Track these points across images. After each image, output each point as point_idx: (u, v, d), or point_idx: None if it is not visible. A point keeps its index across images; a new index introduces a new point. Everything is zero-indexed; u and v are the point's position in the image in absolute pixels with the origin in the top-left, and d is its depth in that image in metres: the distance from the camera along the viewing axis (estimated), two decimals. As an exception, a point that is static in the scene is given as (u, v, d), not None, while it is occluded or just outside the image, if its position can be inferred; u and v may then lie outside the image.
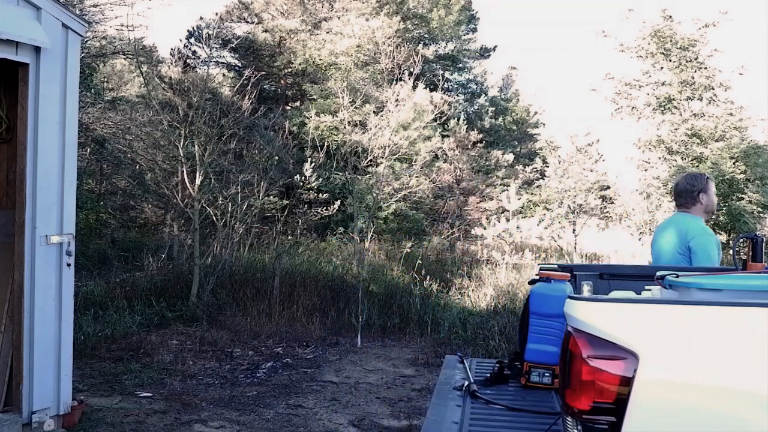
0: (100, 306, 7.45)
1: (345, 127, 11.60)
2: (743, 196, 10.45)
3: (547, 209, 13.35)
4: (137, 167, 11.21)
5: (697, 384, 1.76)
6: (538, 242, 13.23)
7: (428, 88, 15.68)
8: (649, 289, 2.77)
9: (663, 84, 11.76)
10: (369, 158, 11.67)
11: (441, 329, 7.84)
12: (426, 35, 19.29)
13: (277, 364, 6.45)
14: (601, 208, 12.87)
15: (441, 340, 7.58)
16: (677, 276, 2.49)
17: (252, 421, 4.89)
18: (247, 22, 18.42)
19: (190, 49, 17.40)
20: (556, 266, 3.43)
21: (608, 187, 12.84)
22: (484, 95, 22.47)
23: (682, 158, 11.13)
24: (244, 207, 9.46)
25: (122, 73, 18.31)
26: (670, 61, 11.42)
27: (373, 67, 15.74)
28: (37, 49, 3.99)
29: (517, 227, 10.86)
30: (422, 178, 13.76)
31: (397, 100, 12.81)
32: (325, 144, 10.98)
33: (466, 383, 2.81)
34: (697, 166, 10.71)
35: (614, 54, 12.11)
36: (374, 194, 12.03)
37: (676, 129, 11.21)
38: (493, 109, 21.34)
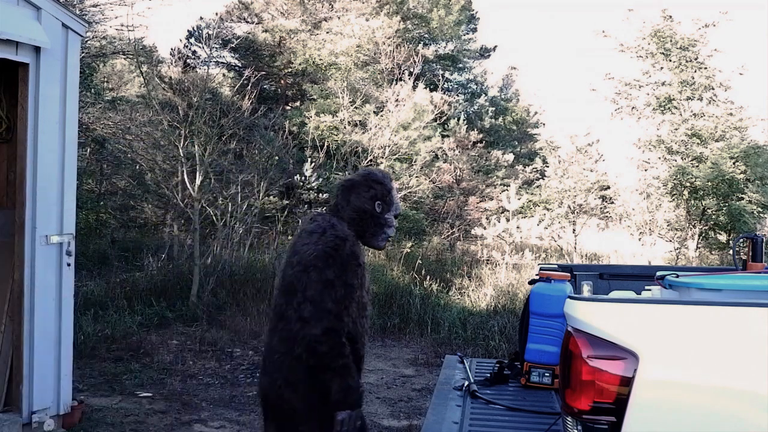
0: (100, 306, 7.44)
1: (345, 127, 11.60)
2: (743, 196, 10.44)
3: (547, 209, 13.32)
4: (137, 167, 11.19)
5: (697, 384, 1.76)
6: (538, 242, 13.21)
7: (428, 88, 15.66)
8: (649, 289, 2.78)
9: (663, 84, 11.75)
10: (369, 158, 11.68)
11: (441, 329, 7.84)
12: (426, 35, 19.27)
13: (277, 364, 6.44)
14: (601, 208, 12.84)
15: (441, 340, 7.58)
16: (677, 276, 2.50)
17: (252, 421, 4.89)
18: (247, 22, 18.41)
19: (190, 49, 17.39)
20: (556, 266, 3.44)
21: (608, 187, 12.81)
22: (484, 95, 22.45)
23: (682, 158, 11.13)
24: (244, 207, 9.46)
25: (122, 73, 18.29)
26: (670, 61, 11.42)
27: (373, 67, 15.73)
28: (37, 49, 3.99)
29: (517, 227, 10.85)
30: (422, 178, 13.76)
31: (397, 100, 12.81)
32: (325, 144, 10.97)
33: (466, 383, 2.82)
34: (697, 166, 10.71)
35: (614, 54, 12.10)
36: (374, 194, 12.00)
37: (676, 129, 11.20)
38: (493, 109, 21.32)
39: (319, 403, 2.37)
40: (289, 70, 17.11)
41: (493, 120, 20.54)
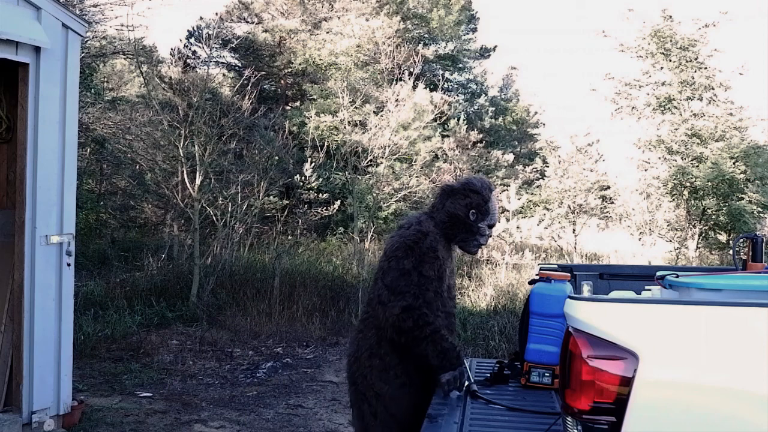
0: (100, 306, 7.44)
1: (345, 127, 11.58)
2: (743, 196, 10.43)
3: (547, 209, 13.31)
4: (137, 167, 11.19)
5: (697, 384, 1.76)
6: (538, 242, 13.20)
7: (428, 88, 15.66)
8: (649, 289, 2.78)
9: (663, 84, 11.74)
10: (369, 158, 11.66)
11: (441, 329, 7.84)
12: (426, 35, 19.27)
13: (277, 364, 6.45)
14: (601, 208, 12.82)
15: (441, 340, 7.57)
16: (677, 276, 2.49)
17: (252, 421, 4.89)
18: (247, 22, 18.40)
19: (190, 49, 17.38)
20: (556, 266, 3.43)
21: (608, 187, 12.80)
22: (484, 95, 22.43)
23: (682, 158, 11.12)
24: (244, 207, 9.46)
25: (122, 73, 18.28)
26: (670, 61, 11.41)
27: (373, 67, 15.72)
28: (37, 49, 3.99)
29: (517, 227, 10.84)
30: (422, 178, 13.74)
31: (397, 100, 12.80)
32: (325, 144, 10.96)
33: (466, 383, 2.81)
34: (697, 166, 10.70)
35: (614, 54, 12.10)
36: (374, 194, 12.02)
37: (676, 129, 11.20)
38: (493, 109, 21.30)
39: (372, 379, 2.59)
40: (289, 70, 17.11)
41: (493, 120, 20.53)
